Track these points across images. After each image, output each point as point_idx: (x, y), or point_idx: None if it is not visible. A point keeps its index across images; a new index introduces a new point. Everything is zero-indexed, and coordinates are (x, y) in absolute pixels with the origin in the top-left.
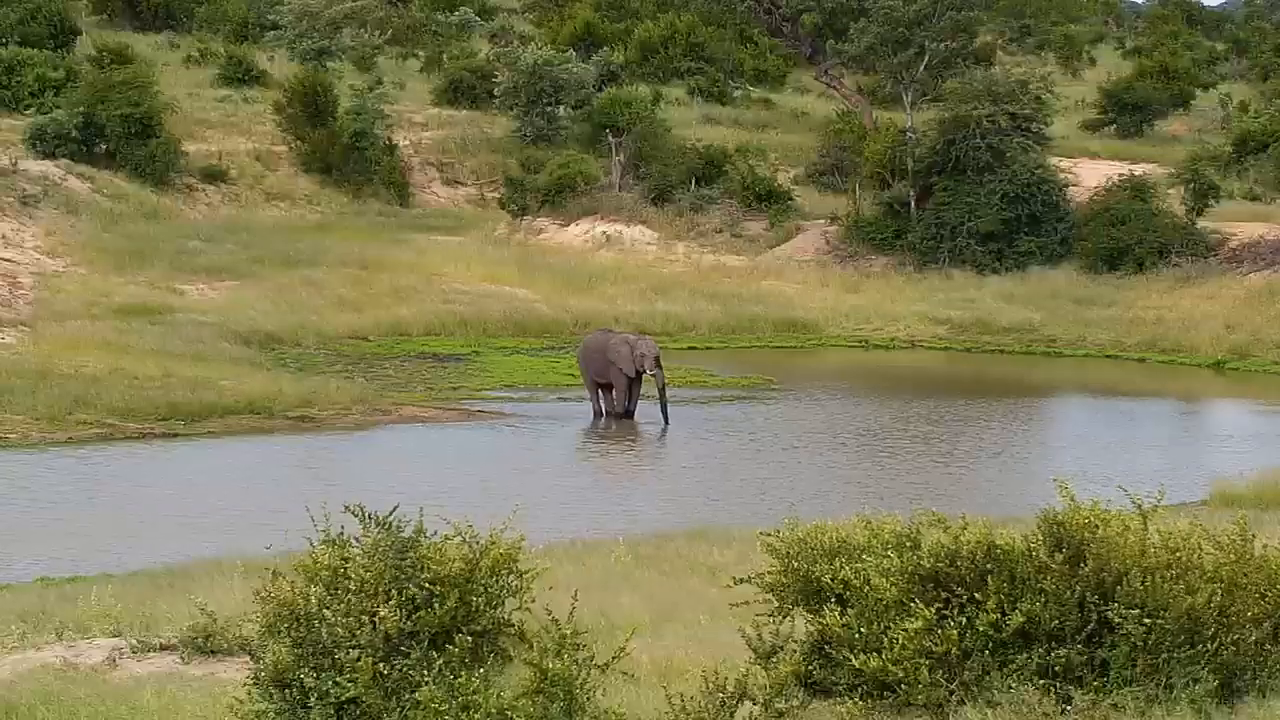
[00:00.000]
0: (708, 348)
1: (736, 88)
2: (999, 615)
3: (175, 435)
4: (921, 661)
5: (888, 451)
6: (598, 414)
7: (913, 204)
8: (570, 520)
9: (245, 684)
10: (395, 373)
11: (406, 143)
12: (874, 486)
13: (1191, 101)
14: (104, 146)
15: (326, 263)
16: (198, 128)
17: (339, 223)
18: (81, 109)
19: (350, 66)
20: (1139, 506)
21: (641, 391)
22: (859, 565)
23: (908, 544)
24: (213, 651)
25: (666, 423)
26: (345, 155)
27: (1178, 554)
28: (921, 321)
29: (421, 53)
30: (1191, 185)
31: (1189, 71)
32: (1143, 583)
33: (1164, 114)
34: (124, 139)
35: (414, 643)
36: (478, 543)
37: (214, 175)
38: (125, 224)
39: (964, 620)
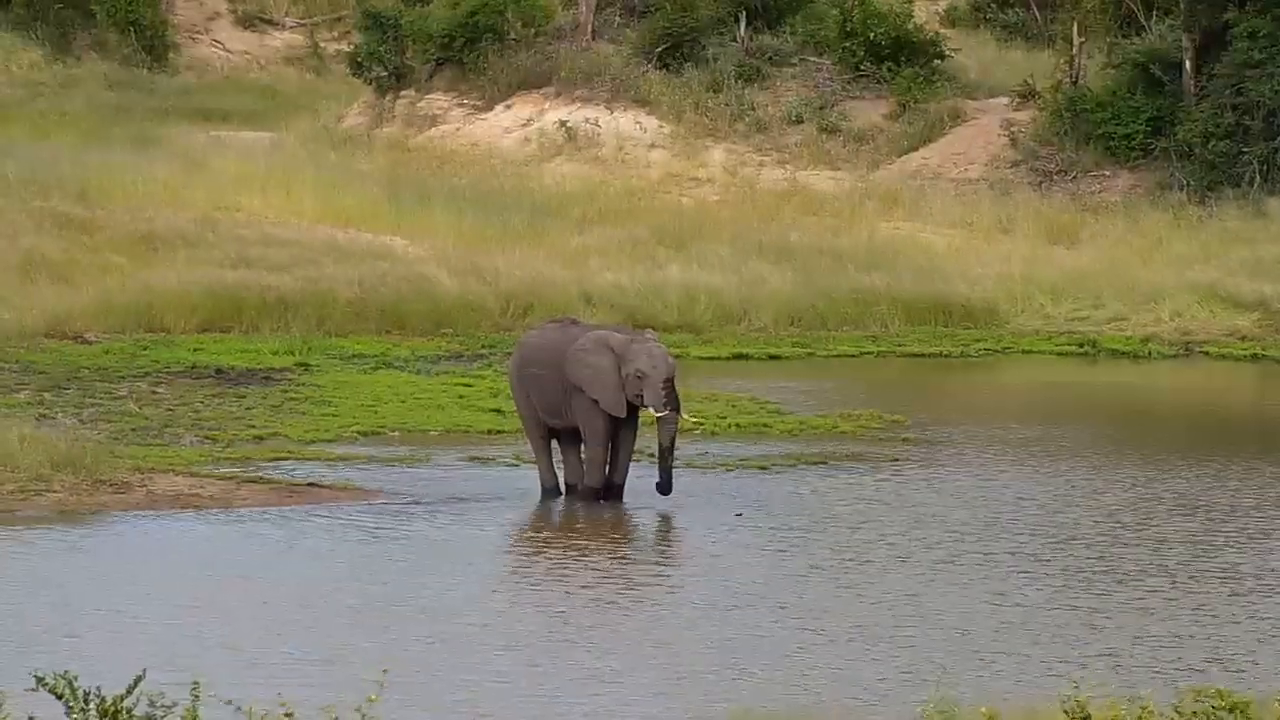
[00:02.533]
0: (773, 355)
1: None
2: None
3: None
4: None
5: (1124, 573)
6: (550, 489)
7: (1186, 65)
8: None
9: None
10: (141, 406)
11: None
12: (1103, 638)
13: None
14: None
15: (2, 186)
16: None
17: (30, 106)
18: None
19: None
20: None
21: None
22: None
23: None
24: None
25: (667, 490)
26: None
27: None
28: (1206, 303)
29: None
30: None
31: None
32: None
33: None
34: None
35: None
36: None
37: None
38: None
39: None
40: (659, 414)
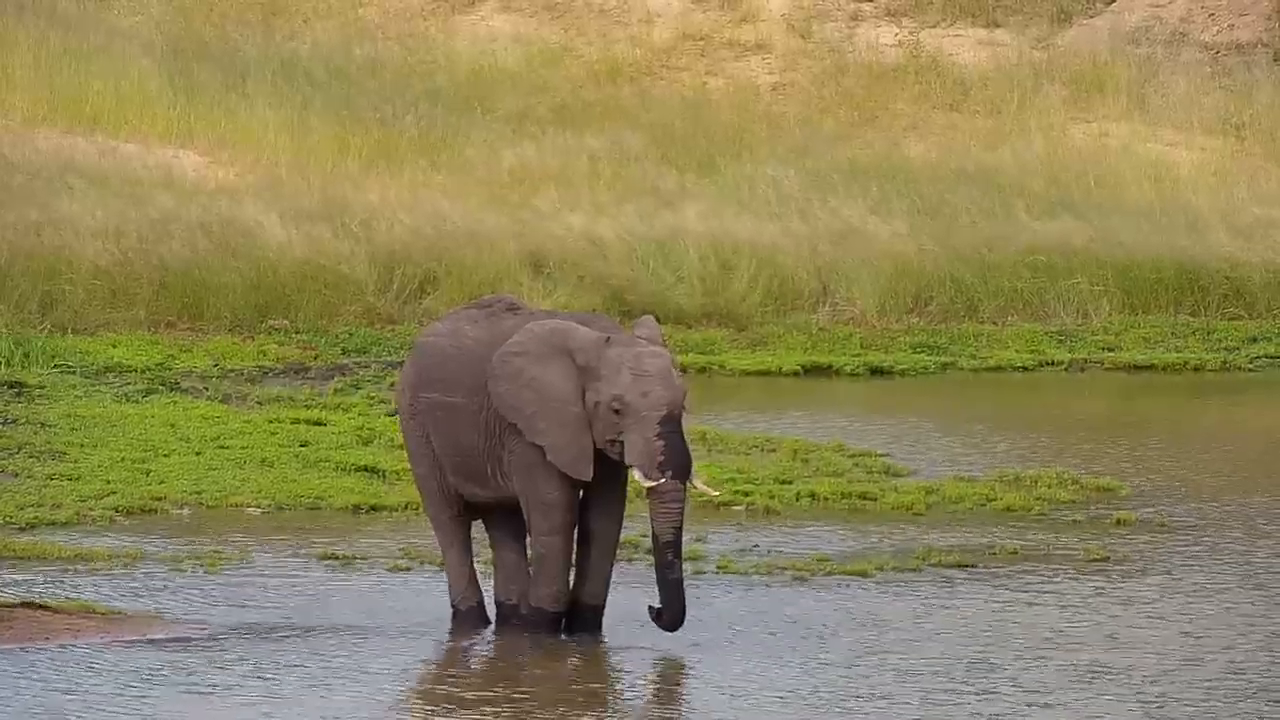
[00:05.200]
0: (876, 369)
1: None
2: None
3: None
4: None
5: None
6: (468, 611)
7: None
8: None
9: None
10: None
11: None
12: None
13: None
14: None
15: None
16: None
17: None
18: None
19: None
20: None
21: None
22: None
23: None
24: None
25: (672, 620)
26: None
27: None
28: None
29: None
30: None
31: None
32: None
33: None
34: None
35: None
36: None
37: None
38: None
39: None
40: (651, 482)
